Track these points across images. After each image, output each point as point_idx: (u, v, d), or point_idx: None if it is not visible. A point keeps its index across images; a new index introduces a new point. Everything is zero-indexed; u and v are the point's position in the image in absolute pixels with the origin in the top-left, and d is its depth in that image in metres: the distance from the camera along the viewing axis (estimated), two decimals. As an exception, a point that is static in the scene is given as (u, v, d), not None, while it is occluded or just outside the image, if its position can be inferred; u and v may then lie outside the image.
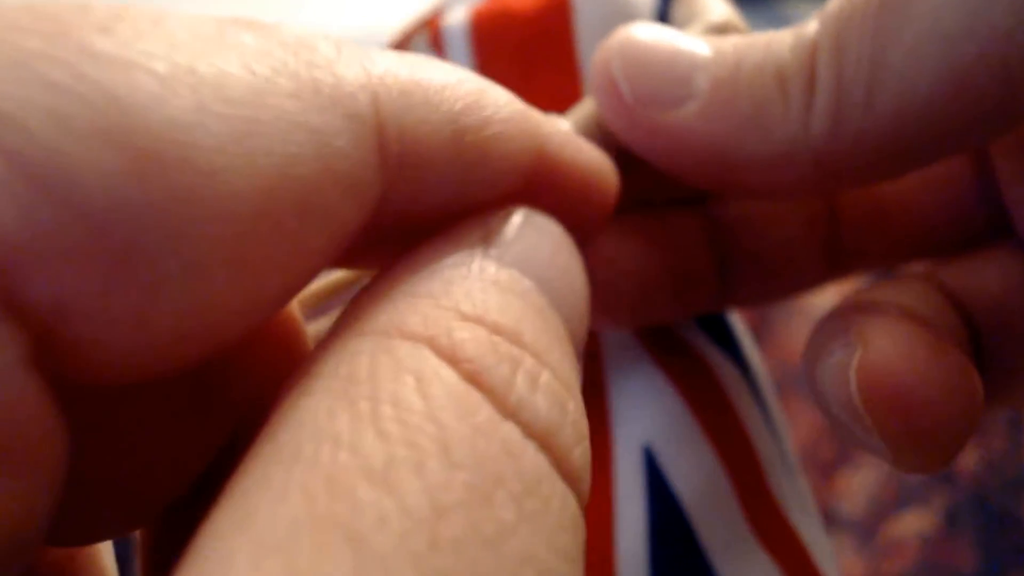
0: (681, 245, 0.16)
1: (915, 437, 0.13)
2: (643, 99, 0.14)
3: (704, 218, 0.17)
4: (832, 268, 0.17)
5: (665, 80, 0.14)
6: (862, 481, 0.61)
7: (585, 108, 0.15)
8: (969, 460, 0.58)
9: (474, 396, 0.08)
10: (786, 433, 0.19)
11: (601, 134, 0.15)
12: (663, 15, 0.20)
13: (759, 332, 0.64)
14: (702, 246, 0.17)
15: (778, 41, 0.14)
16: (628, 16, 0.19)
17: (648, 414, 0.17)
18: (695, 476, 0.16)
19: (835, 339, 0.14)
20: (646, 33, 0.14)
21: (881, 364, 0.13)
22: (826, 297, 0.64)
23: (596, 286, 0.16)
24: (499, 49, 0.19)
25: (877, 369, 0.13)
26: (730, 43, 0.14)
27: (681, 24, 0.18)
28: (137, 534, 0.12)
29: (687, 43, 0.14)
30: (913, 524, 0.58)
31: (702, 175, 0.14)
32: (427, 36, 0.22)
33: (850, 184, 0.14)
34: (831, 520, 0.61)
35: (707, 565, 0.16)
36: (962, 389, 0.13)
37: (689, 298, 0.17)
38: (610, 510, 0.16)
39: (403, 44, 0.25)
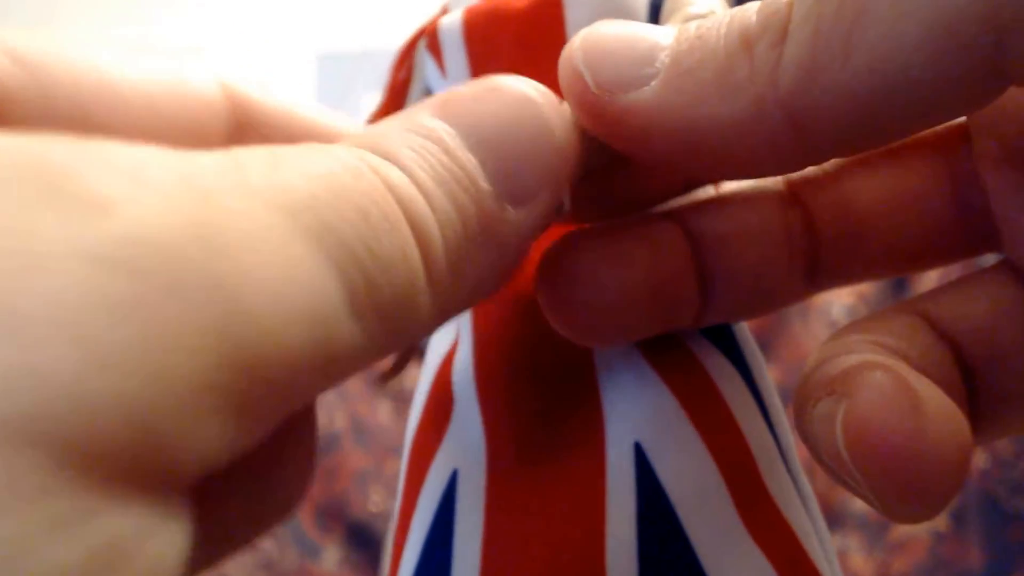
0: (665, 261, 0.16)
1: (905, 492, 0.13)
2: (606, 84, 0.14)
3: (685, 233, 0.16)
4: (809, 284, 0.17)
5: (626, 62, 0.14)
6: (873, 480, 0.61)
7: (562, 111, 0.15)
8: (978, 460, 0.57)
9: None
10: (787, 429, 0.19)
11: (578, 136, 0.14)
12: (656, 12, 0.20)
13: (774, 332, 0.64)
14: (686, 261, 0.16)
15: (742, 10, 0.13)
16: (620, 11, 0.19)
17: (639, 410, 0.17)
18: (685, 471, 0.17)
19: (821, 388, 0.14)
20: (608, 25, 0.14)
21: (867, 420, 0.13)
22: (842, 297, 0.63)
23: (579, 304, 0.16)
24: (493, 47, 0.20)
25: (863, 425, 0.13)
26: (695, 23, 0.14)
27: (666, 17, 0.18)
28: None
29: (650, 29, 0.14)
30: (922, 523, 0.58)
31: (673, 156, 0.14)
32: (427, 39, 0.22)
33: (829, 151, 0.14)
34: (842, 519, 0.61)
35: (693, 557, 0.16)
36: (951, 440, 0.12)
37: (674, 313, 0.17)
38: (602, 505, 0.16)
39: (409, 49, 0.25)
